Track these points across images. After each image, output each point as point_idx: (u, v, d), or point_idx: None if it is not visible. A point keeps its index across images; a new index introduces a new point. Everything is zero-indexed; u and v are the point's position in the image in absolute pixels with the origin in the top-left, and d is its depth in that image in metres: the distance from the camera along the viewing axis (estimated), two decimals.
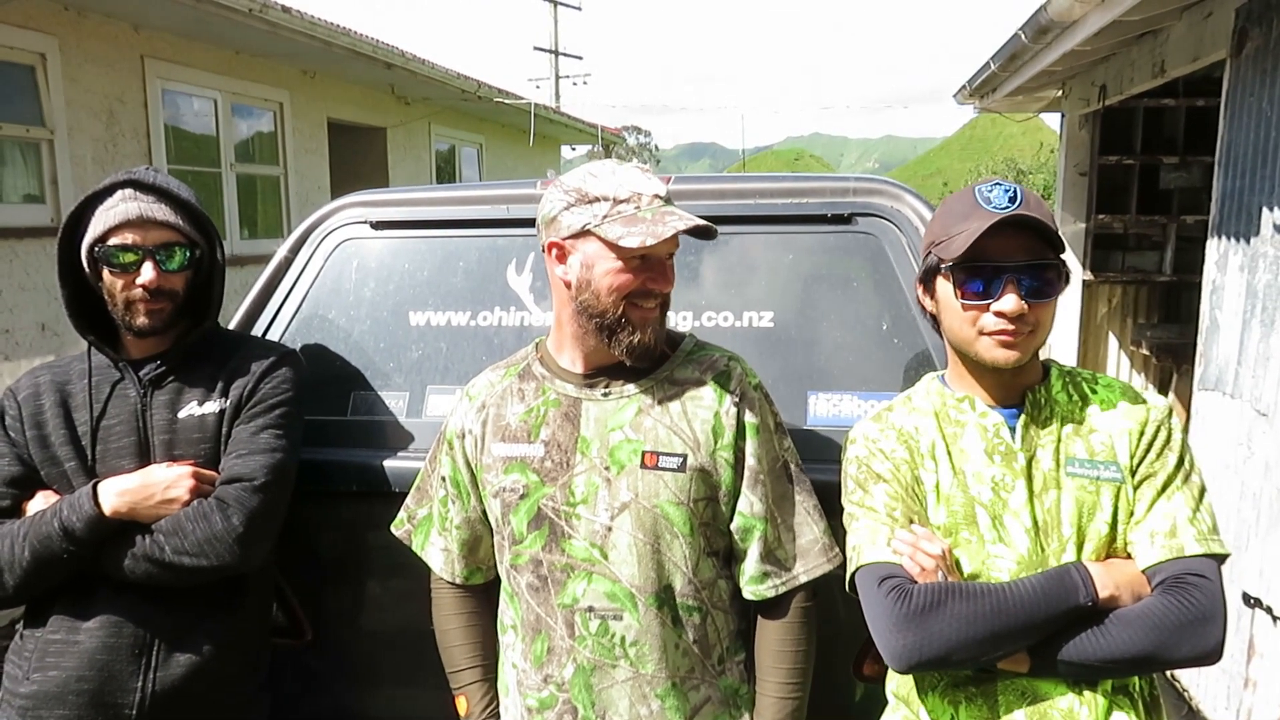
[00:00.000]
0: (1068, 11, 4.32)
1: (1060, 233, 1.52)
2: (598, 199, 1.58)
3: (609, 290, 1.58)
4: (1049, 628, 1.42)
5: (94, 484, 1.78)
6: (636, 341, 1.60)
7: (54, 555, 1.74)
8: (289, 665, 2.18)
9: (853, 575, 1.57)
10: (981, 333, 1.51)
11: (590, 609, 1.60)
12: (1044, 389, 1.58)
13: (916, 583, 1.47)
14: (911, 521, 1.54)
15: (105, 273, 1.85)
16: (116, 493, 1.77)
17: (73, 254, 1.89)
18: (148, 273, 1.83)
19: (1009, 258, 1.49)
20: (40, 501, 1.83)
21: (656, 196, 1.59)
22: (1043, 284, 1.49)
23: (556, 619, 1.63)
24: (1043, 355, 1.64)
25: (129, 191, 1.86)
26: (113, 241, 1.83)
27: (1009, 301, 1.47)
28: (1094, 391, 1.59)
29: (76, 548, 1.74)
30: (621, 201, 1.57)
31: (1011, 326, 1.48)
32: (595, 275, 1.58)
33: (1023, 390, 1.58)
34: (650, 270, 1.59)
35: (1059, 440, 1.54)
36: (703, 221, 1.58)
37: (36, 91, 5.39)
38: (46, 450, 1.86)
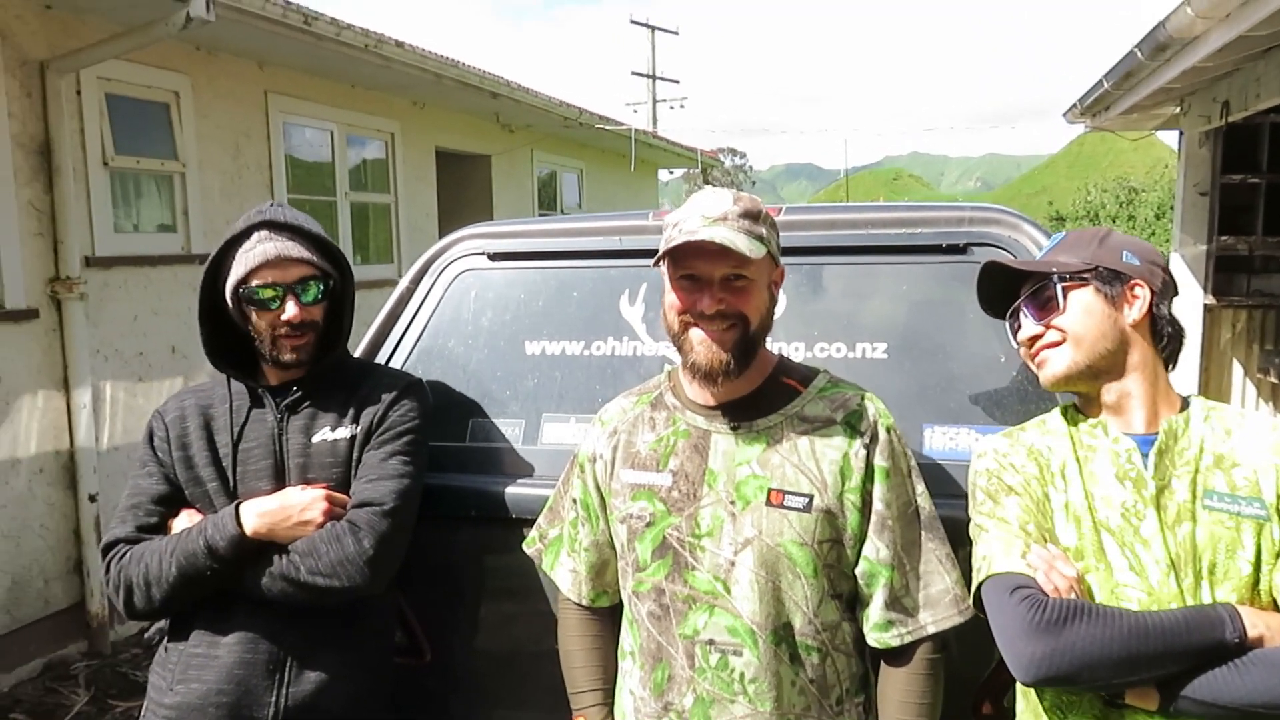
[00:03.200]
0: (1188, 28, 4.18)
1: (1093, 251, 1.63)
2: (670, 225, 1.64)
3: (667, 309, 1.66)
4: (1188, 659, 1.37)
5: (236, 505, 1.88)
6: (692, 362, 1.63)
7: (199, 572, 1.84)
8: (408, 685, 2.25)
9: (979, 586, 1.53)
10: (1030, 359, 1.67)
11: (710, 642, 1.60)
12: (1183, 419, 1.55)
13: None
14: (1045, 540, 1.51)
15: (252, 313, 1.95)
16: (257, 514, 1.86)
17: (213, 295, 2.00)
18: (291, 308, 1.93)
19: (1022, 293, 1.68)
20: (184, 520, 1.94)
21: (704, 215, 1.59)
22: (1044, 302, 1.63)
23: (677, 648, 1.63)
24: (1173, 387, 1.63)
25: (264, 233, 1.96)
26: (255, 282, 1.93)
27: (1021, 331, 1.67)
28: (1240, 426, 1.53)
29: (219, 565, 1.83)
30: (675, 225, 1.62)
31: (1033, 350, 1.64)
32: (664, 296, 1.67)
33: (1158, 420, 1.55)
34: (699, 290, 1.60)
35: (1196, 471, 1.49)
36: (701, 238, 1.55)
37: (170, 127, 5.71)
38: (191, 470, 1.97)
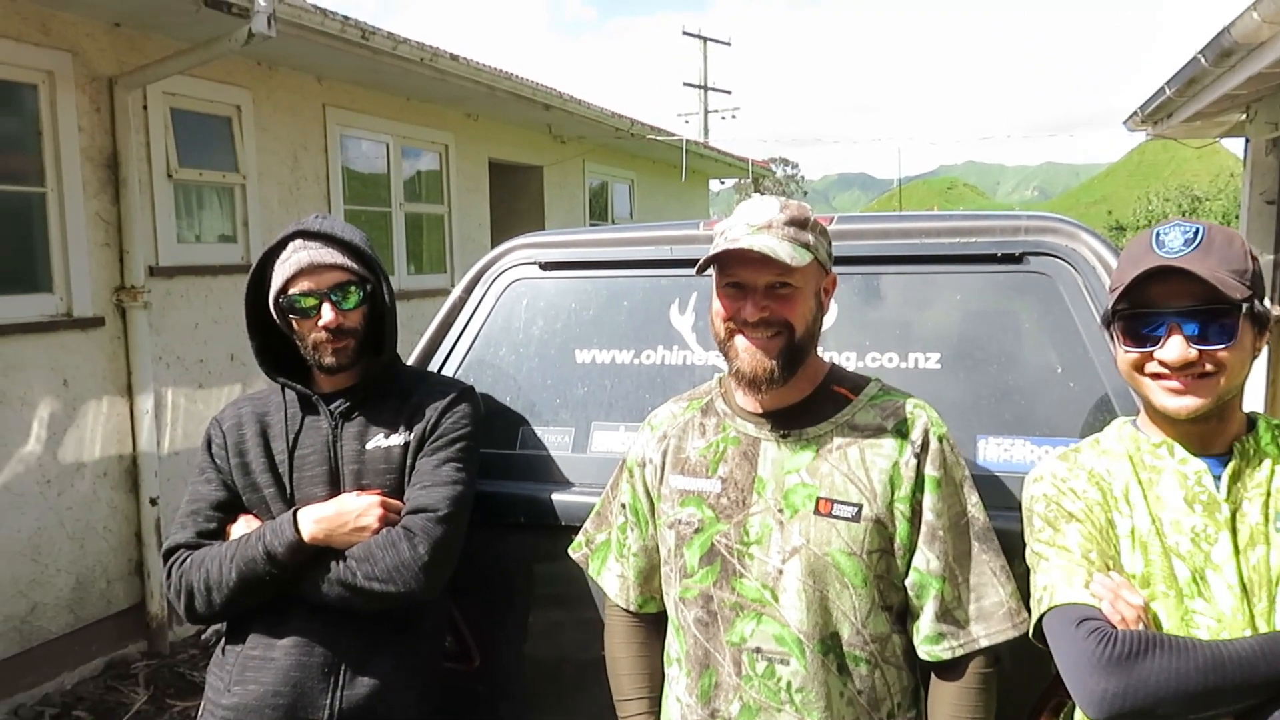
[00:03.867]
0: (1254, 33, 4.09)
1: (1251, 271, 1.44)
2: (717, 233, 1.66)
3: (714, 316, 1.66)
4: (1267, 690, 1.32)
5: (294, 511, 1.91)
6: (737, 369, 1.64)
7: (258, 577, 1.87)
8: (457, 689, 2.27)
9: (1040, 618, 1.48)
10: (1151, 378, 1.46)
11: (758, 650, 1.60)
12: (1252, 439, 1.48)
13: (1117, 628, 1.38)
14: (1109, 568, 1.46)
15: (294, 321, 1.99)
16: (314, 520, 1.89)
17: (258, 307, 2.05)
18: (327, 314, 1.96)
19: (1172, 303, 1.43)
20: (242, 526, 1.98)
21: (749, 223, 1.59)
22: (1215, 328, 1.42)
23: (724, 656, 1.63)
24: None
25: (298, 242, 2.00)
26: (292, 291, 1.97)
27: (1170, 350, 1.43)
28: None
29: (278, 571, 1.87)
30: (722, 233, 1.63)
31: (1170, 374, 1.43)
32: (711, 303, 1.68)
33: (1225, 440, 1.49)
34: (743, 298, 1.61)
35: (1269, 494, 1.43)
36: (743, 246, 1.54)
37: (232, 140, 5.85)
38: (248, 477, 2.01)
